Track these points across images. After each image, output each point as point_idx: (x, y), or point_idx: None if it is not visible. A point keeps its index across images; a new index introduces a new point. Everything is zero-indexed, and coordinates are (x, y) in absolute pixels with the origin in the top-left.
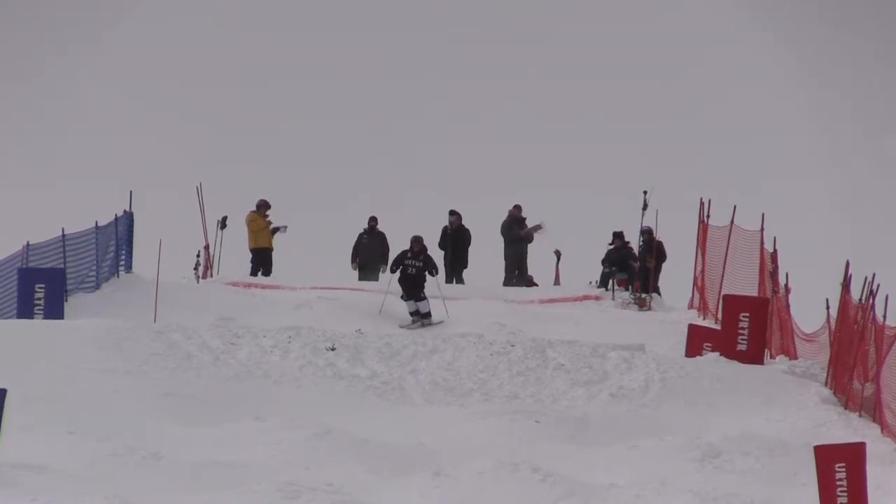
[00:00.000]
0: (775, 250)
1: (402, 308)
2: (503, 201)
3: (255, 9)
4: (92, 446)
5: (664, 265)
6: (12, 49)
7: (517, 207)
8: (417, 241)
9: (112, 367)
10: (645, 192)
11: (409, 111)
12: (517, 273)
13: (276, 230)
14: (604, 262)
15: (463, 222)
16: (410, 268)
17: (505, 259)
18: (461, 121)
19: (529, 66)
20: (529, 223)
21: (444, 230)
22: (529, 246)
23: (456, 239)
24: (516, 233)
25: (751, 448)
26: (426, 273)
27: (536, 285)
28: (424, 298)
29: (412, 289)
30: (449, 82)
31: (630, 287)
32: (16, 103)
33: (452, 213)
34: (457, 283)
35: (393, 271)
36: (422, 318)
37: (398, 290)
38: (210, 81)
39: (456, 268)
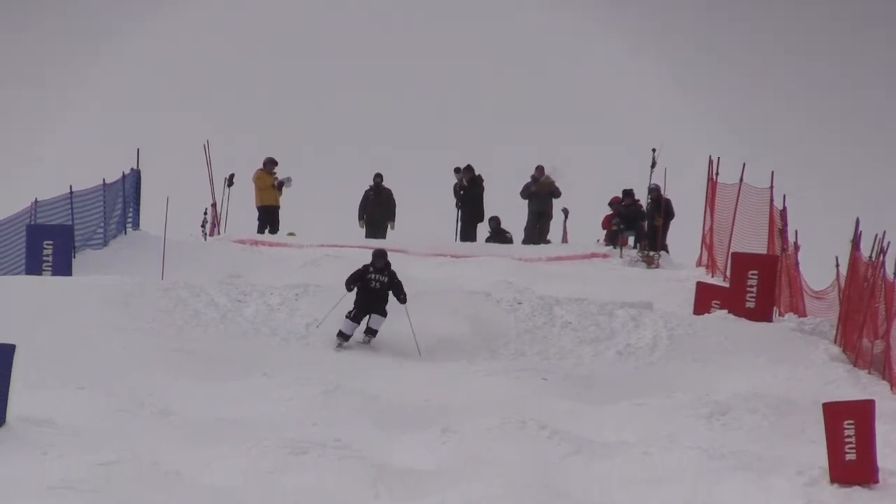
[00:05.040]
0: (784, 208)
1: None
2: (514, 160)
3: None
4: (101, 401)
5: (672, 223)
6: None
7: (539, 169)
8: (381, 256)
9: (120, 323)
10: (654, 150)
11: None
12: (538, 230)
13: (281, 183)
14: (610, 218)
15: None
16: (374, 282)
17: (527, 218)
18: (461, 80)
19: (539, 30)
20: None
21: (455, 188)
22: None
23: (471, 191)
24: (530, 190)
25: (759, 405)
26: (390, 291)
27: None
28: (383, 315)
29: (372, 303)
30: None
31: (637, 245)
32: (27, 62)
33: (458, 170)
34: (470, 240)
35: (349, 289)
36: (371, 334)
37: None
38: (222, 45)
39: (471, 224)
